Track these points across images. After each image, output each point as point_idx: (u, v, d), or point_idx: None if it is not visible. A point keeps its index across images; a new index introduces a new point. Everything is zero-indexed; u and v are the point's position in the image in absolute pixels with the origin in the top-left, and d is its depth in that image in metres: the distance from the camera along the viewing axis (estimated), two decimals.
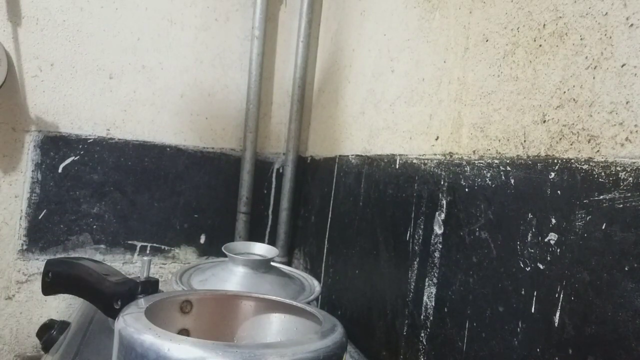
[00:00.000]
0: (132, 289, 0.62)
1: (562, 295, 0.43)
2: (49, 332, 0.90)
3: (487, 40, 0.56)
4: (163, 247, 1.15)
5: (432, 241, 0.63)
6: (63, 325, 0.90)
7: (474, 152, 0.57)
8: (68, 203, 1.05)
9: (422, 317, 0.63)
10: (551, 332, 0.43)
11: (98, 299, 0.59)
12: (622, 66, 0.39)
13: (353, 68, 0.96)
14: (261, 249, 0.87)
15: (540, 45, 0.48)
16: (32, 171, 1.02)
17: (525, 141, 0.49)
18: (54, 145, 1.03)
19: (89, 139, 1.06)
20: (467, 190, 0.57)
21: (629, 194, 0.37)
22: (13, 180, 1.01)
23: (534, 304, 0.46)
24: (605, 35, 0.41)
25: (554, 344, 0.43)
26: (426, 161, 0.66)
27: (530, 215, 0.47)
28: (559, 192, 0.44)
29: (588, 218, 0.41)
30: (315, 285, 0.81)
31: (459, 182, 0.59)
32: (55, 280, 0.60)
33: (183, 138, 1.15)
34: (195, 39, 1.14)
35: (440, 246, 0.61)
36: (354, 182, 0.89)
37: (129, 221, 1.11)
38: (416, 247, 0.66)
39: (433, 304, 0.62)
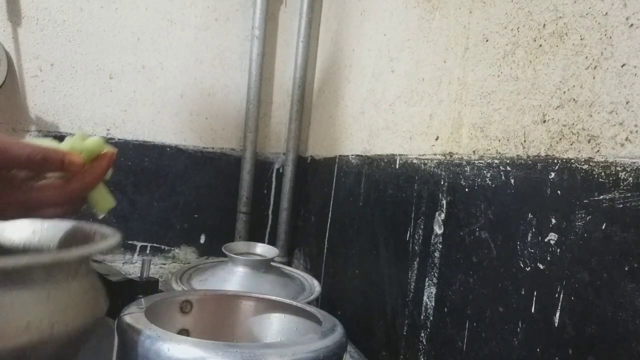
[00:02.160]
0: (132, 289, 0.62)
1: (562, 295, 0.43)
2: None
3: (487, 40, 0.56)
4: (163, 247, 1.15)
5: (432, 241, 0.63)
6: None
7: (474, 152, 0.57)
8: None
9: (422, 317, 0.63)
10: (551, 332, 0.43)
11: None
12: (622, 66, 0.39)
13: (353, 68, 0.96)
14: (261, 249, 0.87)
15: (540, 45, 0.48)
16: None
17: (525, 141, 0.49)
18: None
19: None
20: (467, 190, 0.57)
21: (629, 194, 0.37)
22: None
23: (534, 304, 0.46)
24: (605, 35, 0.41)
25: (554, 344, 0.43)
26: (426, 161, 0.66)
27: (530, 215, 0.47)
28: (559, 192, 0.44)
29: (588, 218, 0.41)
30: (315, 285, 0.81)
31: (459, 182, 0.59)
32: None
33: (183, 138, 1.15)
34: (195, 39, 1.14)
35: (440, 246, 0.61)
36: (354, 182, 0.89)
37: (129, 221, 1.11)
38: (416, 247, 0.66)
39: (433, 304, 0.62)
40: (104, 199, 0.43)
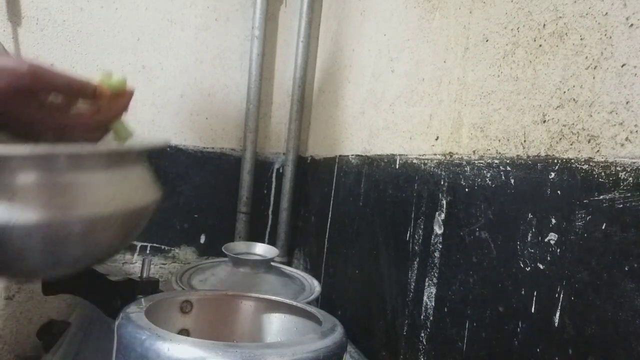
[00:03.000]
0: (132, 289, 0.62)
1: (562, 295, 0.43)
2: (49, 332, 0.90)
3: (487, 40, 0.56)
4: (163, 247, 1.15)
5: (432, 241, 0.63)
6: (63, 325, 0.90)
7: (474, 152, 0.57)
8: None
9: (422, 317, 0.63)
10: (551, 332, 0.43)
11: (98, 299, 0.59)
12: (622, 66, 0.39)
13: (353, 68, 0.96)
14: (261, 249, 0.87)
15: (540, 45, 0.48)
16: None
17: (525, 141, 0.49)
18: None
19: None
20: (467, 190, 0.57)
21: (629, 194, 0.37)
22: None
23: (534, 304, 0.46)
24: (605, 35, 0.41)
25: (554, 344, 0.43)
26: (426, 161, 0.66)
27: (530, 215, 0.47)
28: (559, 192, 0.44)
29: (588, 218, 0.41)
30: (315, 285, 0.81)
31: (459, 182, 0.59)
32: (56, 280, 0.60)
33: (183, 138, 1.15)
34: (195, 39, 1.14)
35: (440, 246, 0.61)
36: (354, 182, 0.89)
37: None
38: (416, 247, 0.66)
39: (433, 304, 0.62)
40: (125, 130, 0.48)
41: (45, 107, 0.43)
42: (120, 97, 0.47)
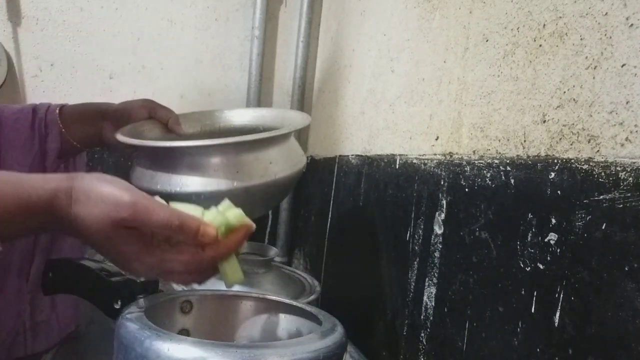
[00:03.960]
0: (132, 289, 0.62)
1: (562, 295, 0.43)
2: None
3: (487, 40, 0.56)
4: None
5: (432, 241, 0.63)
6: None
7: (474, 152, 0.57)
8: None
9: (422, 317, 0.63)
10: (551, 332, 0.43)
11: (98, 299, 0.59)
12: (622, 66, 0.39)
13: (353, 68, 0.96)
14: (261, 249, 0.87)
15: (540, 45, 0.48)
16: None
17: (525, 141, 0.49)
18: None
19: None
20: (467, 190, 0.57)
21: (629, 194, 0.37)
22: None
23: (534, 304, 0.46)
24: (605, 35, 0.41)
25: (554, 344, 0.43)
26: (426, 161, 0.66)
27: (530, 215, 0.47)
28: (559, 192, 0.44)
29: (588, 218, 0.41)
30: (315, 285, 0.81)
31: (459, 182, 0.59)
32: (56, 280, 0.60)
33: None
34: (195, 39, 1.14)
35: (440, 246, 0.61)
36: (354, 182, 0.89)
37: None
38: (416, 247, 0.66)
39: (433, 304, 0.62)
40: (233, 272, 0.44)
41: (143, 242, 0.40)
42: (234, 234, 0.42)
